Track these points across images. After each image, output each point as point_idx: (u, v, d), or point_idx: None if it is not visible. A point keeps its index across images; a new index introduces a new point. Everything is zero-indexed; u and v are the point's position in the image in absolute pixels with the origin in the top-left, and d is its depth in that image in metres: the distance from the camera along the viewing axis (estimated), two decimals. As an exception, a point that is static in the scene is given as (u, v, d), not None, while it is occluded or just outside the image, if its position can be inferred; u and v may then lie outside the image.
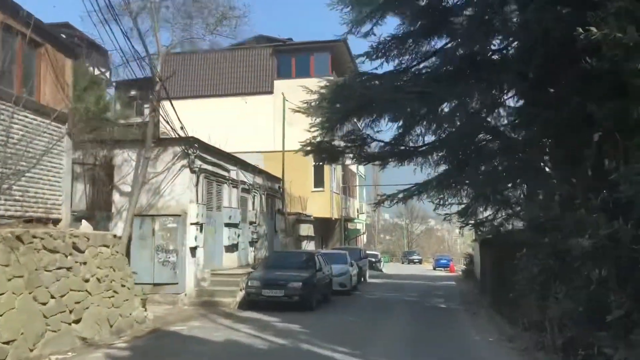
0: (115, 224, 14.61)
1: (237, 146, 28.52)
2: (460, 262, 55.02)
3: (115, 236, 11.86)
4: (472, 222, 32.61)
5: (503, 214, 30.72)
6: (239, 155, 21.48)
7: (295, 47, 33.38)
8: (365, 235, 61.86)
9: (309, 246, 29.03)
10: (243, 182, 18.98)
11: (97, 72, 27.54)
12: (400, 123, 15.84)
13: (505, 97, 16.83)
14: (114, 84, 30.79)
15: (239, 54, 33.87)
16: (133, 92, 34.29)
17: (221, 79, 33.62)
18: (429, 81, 14.41)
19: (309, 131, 15.26)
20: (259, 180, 20.87)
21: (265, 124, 32.22)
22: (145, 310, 12.53)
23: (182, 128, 15.76)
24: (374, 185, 37.83)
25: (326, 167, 30.81)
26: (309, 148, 15.62)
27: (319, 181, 30.88)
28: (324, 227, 33.06)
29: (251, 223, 19.62)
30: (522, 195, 28.48)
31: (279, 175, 26.04)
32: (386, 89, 13.74)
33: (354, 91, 13.37)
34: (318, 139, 15.17)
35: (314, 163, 31.60)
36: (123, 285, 11.69)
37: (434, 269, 48.88)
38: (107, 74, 29.79)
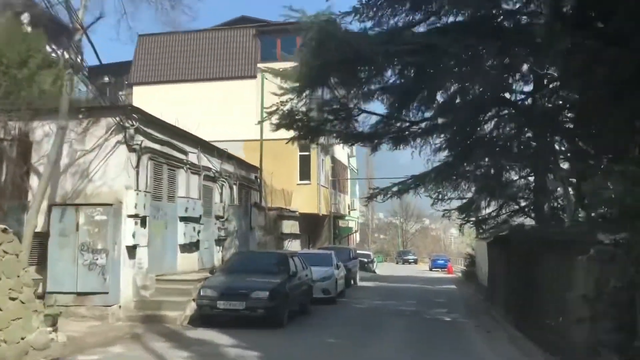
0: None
1: (217, 134, 25.46)
2: (457, 263, 51.84)
3: (4, 230, 8.52)
4: (474, 218, 29.33)
5: (507, 210, 27.40)
6: (218, 145, 18.38)
7: (280, 27, 30.01)
8: (357, 234, 58.61)
9: (292, 245, 25.70)
10: (207, 169, 15.64)
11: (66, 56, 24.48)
12: (396, 91, 12.64)
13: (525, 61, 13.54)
14: (86, 70, 28.15)
15: (219, 35, 30.57)
16: (107, 79, 31.22)
17: (201, 63, 30.30)
18: (433, 35, 11.20)
19: (275, 94, 11.89)
20: (228, 167, 17.54)
21: (249, 111, 28.94)
22: (55, 330, 9.20)
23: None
24: (366, 179, 34.61)
25: (313, 158, 27.52)
26: (277, 120, 12.21)
27: (305, 173, 27.57)
28: (311, 224, 29.76)
29: (218, 217, 16.30)
30: (527, 190, 25.02)
31: (258, 164, 22.78)
32: (377, 39, 10.47)
33: (334, 37, 9.99)
34: (287, 105, 11.79)
35: (300, 152, 28.40)
36: (13, 298, 8.34)
37: (431, 269, 45.66)
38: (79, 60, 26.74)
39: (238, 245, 17.85)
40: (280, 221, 24.09)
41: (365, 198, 28.05)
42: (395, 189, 28.02)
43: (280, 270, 12.25)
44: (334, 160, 31.50)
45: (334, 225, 36.11)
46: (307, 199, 27.10)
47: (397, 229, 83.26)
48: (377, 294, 20.14)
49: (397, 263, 63.30)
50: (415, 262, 61.48)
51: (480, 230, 31.38)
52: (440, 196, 27.93)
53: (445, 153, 24.51)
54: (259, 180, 21.10)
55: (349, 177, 36.86)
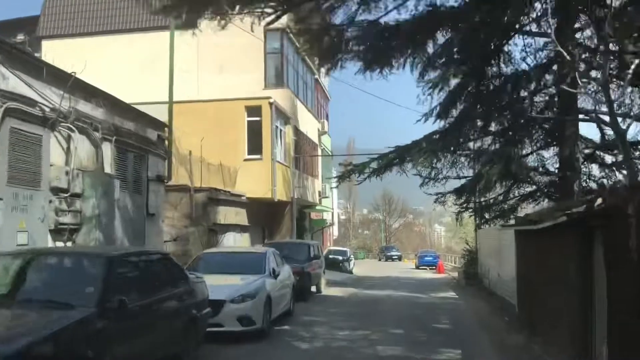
0: None
1: (145, 95, 18.75)
2: (446, 259, 44.92)
3: None
4: (473, 204, 22.48)
5: (516, 193, 21.21)
6: (141, 108, 12.63)
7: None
8: (335, 229, 51.56)
9: (236, 241, 18.49)
10: (24, 100, 8.36)
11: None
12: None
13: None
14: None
15: (152, -24, 23.14)
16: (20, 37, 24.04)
17: (130, 12, 22.89)
18: None
19: None
20: (93, 111, 10.25)
21: (187, 68, 21.68)
22: None
23: None
24: (344, 155, 27.20)
25: (266, 125, 20.31)
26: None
27: (255, 145, 20.35)
28: (268, 214, 22.58)
29: (57, 191, 9.05)
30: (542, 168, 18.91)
31: (195, 130, 15.69)
32: None
33: None
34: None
35: (248, 117, 21.18)
36: None
37: (417, 267, 38.66)
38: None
39: (119, 239, 10.62)
40: (214, 207, 16.87)
41: (336, 178, 20.98)
42: (374, 165, 20.76)
43: (81, 298, 5.00)
44: (298, 133, 24.32)
45: (302, 217, 28.97)
46: (257, 179, 19.89)
47: (380, 223, 76.36)
48: (345, 312, 12.97)
49: (379, 260, 56.42)
50: (400, 258, 54.61)
51: (483, 220, 24.52)
52: (432, 174, 20.95)
53: (441, 96, 17.89)
54: (167, 142, 13.81)
55: (319, 157, 29.68)
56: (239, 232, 19.07)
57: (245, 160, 20.09)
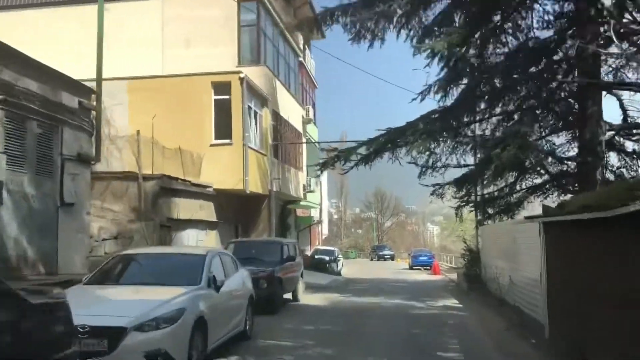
0: None
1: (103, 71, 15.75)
2: (440, 259, 42.04)
3: None
4: (474, 197, 19.60)
5: (522, 185, 17.71)
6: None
7: None
8: (324, 227, 48.60)
9: (200, 240, 15.49)
10: None
11: None
12: None
13: None
14: None
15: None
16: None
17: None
18: None
19: None
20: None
21: (150, 40, 18.76)
22: None
23: None
24: (330, 146, 24.10)
25: (237, 105, 17.31)
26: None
27: (224, 129, 17.34)
28: (242, 209, 19.58)
29: None
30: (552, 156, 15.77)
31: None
32: None
33: None
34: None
35: (215, 96, 18.12)
36: None
37: (411, 268, 35.74)
38: None
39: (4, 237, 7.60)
40: (168, 199, 13.85)
41: (318, 165, 18.03)
42: (362, 150, 17.60)
43: None
44: (278, 118, 21.33)
45: (286, 213, 26.00)
46: (226, 167, 16.88)
47: (372, 222, 73.44)
48: (323, 331, 9.94)
49: (371, 259, 53.54)
50: (392, 258, 51.74)
51: (486, 215, 21.60)
52: (430, 161, 18.00)
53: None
54: (92, 113, 10.73)
55: (304, 148, 26.67)
56: (203, 229, 16.07)
57: (212, 145, 17.07)
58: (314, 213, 36.46)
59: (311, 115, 28.19)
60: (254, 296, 9.26)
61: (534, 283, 10.96)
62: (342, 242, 74.06)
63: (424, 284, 22.56)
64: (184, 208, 14.59)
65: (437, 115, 15.95)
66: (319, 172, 18.55)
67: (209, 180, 16.54)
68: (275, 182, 20.29)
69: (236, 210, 19.14)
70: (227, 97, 17.12)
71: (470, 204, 20.36)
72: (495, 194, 19.10)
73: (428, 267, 34.12)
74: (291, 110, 23.39)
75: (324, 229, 52.01)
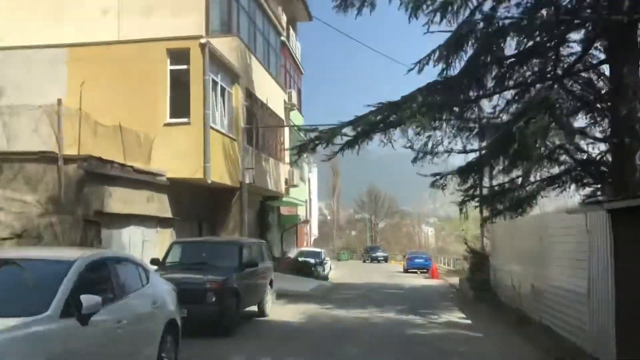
0: None
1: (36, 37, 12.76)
2: (441, 262, 39.05)
3: None
4: (479, 189, 16.11)
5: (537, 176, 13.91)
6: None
7: None
8: (314, 227, 45.65)
9: (139, 238, 12.41)
10: None
11: None
12: None
13: None
14: None
15: None
16: None
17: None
18: None
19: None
20: None
21: (106, 8, 15.68)
22: None
23: None
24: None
25: (196, 78, 14.24)
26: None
27: (181, 106, 14.27)
28: (207, 204, 16.54)
29: None
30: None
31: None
32: None
33: None
34: None
35: (171, 66, 14.99)
36: None
37: (406, 271, 32.71)
38: None
39: None
40: (97, 187, 10.76)
41: (295, 149, 15.04)
42: (348, 131, 14.60)
43: None
44: (253, 99, 18.30)
45: (265, 211, 23.01)
46: (183, 152, 13.81)
47: (365, 222, 70.41)
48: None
49: (364, 261, 50.54)
50: (386, 260, 48.76)
51: (494, 211, 18.67)
52: (429, 145, 15.09)
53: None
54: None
55: (286, 137, 23.60)
56: (152, 226, 12.98)
57: (167, 125, 13.99)
58: (302, 211, 33.42)
59: (295, 101, 25.17)
60: (177, 321, 6.22)
61: (575, 297, 7.98)
62: (334, 244, 71.08)
63: (421, 291, 19.54)
64: (122, 200, 11.51)
65: (439, 87, 12.96)
66: (296, 157, 15.48)
67: (163, 167, 13.49)
68: (249, 172, 17.23)
69: (200, 206, 16.10)
70: (185, 67, 14.07)
71: (476, 199, 17.40)
72: (506, 185, 16.15)
73: (425, 270, 31.14)
74: (271, 92, 20.33)
75: (314, 229, 49.00)
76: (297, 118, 25.87)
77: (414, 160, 14.61)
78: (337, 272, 31.37)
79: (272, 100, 20.50)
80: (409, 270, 32.38)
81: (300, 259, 23.58)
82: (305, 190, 28.22)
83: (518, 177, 16.01)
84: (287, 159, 23.24)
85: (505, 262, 13.51)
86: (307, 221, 32.84)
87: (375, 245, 58.81)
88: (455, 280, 23.74)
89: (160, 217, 13.43)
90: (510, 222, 13.88)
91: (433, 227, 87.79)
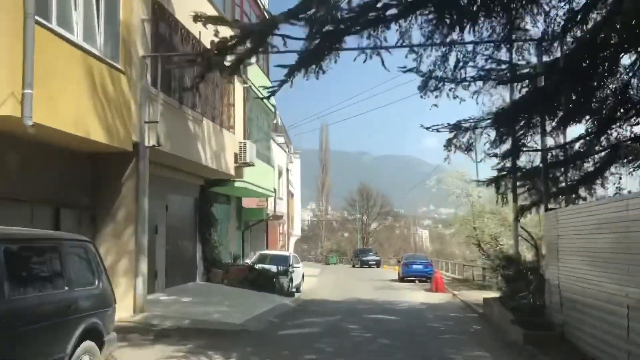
0: None
1: None
2: (440, 267, 32.36)
3: None
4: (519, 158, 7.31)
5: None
6: None
7: None
8: (296, 226, 39.01)
9: None
10: None
11: None
12: None
13: None
14: None
15: None
16: None
17: None
18: None
19: None
20: None
21: None
22: None
23: None
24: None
25: None
26: None
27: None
28: (79, 176, 9.85)
29: None
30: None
31: None
32: None
33: None
34: None
35: None
36: None
37: (402, 279, 25.96)
38: None
39: None
40: None
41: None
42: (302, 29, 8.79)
43: None
44: (166, 18, 11.59)
45: (211, 200, 16.42)
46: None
47: (356, 223, 63.66)
48: None
49: (353, 266, 43.91)
50: (378, 264, 42.12)
51: (550, 193, 10.98)
52: (445, 65, 8.45)
53: None
54: None
55: (236, 94, 16.76)
56: None
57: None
58: (280, 206, 26.67)
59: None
60: None
61: None
62: (323, 245, 64.36)
63: (425, 317, 12.79)
64: None
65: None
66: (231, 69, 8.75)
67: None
68: (152, 130, 10.52)
69: (55, 179, 9.35)
70: None
71: (508, 175, 10.72)
72: (576, 148, 9.49)
73: (425, 279, 24.52)
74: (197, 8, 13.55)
75: (297, 229, 42.30)
76: (258, 77, 19.04)
77: (422, 87, 7.91)
78: (316, 280, 24.71)
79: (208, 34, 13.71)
80: (405, 279, 25.64)
81: (257, 267, 16.88)
82: (271, 175, 21.46)
83: (589, 134, 9.48)
84: (239, 127, 16.48)
85: (590, 279, 6.83)
86: (278, 217, 26.07)
87: (367, 247, 52.21)
88: (467, 295, 17.08)
89: None
90: (607, 205, 7.06)
91: (427, 230, 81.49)
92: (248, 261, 18.02)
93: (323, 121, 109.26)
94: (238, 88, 16.58)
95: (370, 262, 41.66)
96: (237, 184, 17.02)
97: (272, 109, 21.98)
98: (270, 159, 21.77)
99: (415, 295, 18.54)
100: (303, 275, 19.96)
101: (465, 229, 23.87)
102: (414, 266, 26.06)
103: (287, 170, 34.08)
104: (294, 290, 17.73)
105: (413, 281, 25.03)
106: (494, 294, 13.83)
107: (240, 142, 15.91)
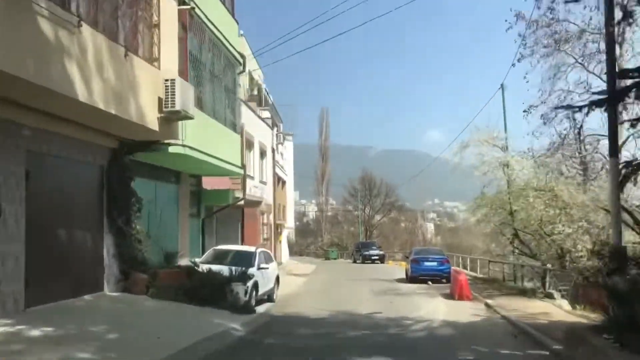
0: None
1: None
2: (460, 264, 26.71)
3: None
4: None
5: None
6: None
7: None
8: (289, 217, 33.58)
9: None
10: None
11: None
12: None
13: None
14: None
15: None
16: None
17: None
18: None
19: None
20: None
21: None
22: None
23: None
24: None
25: None
26: None
27: None
28: None
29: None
30: None
31: None
32: None
33: None
34: None
35: None
36: None
37: (410, 279, 20.34)
38: None
39: None
40: None
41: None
42: None
43: None
44: None
45: (125, 171, 10.85)
46: None
47: (358, 214, 58.12)
48: None
49: (354, 261, 38.46)
50: (382, 260, 36.61)
51: None
52: None
53: None
54: None
55: (162, 21, 11.22)
56: None
57: None
58: (258, 189, 21.18)
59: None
60: None
61: None
62: (323, 239, 58.97)
63: (457, 351, 7.28)
64: None
65: None
66: None
67: None
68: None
69: None
70: None
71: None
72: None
73: (439, 278, 19.09)
74: None
75: (289, 219, 36.84)
76: (212, 6, 13.42)
77: None
78: (303, 282, 19.27)
79: None
80: (414, 278, 20.03)
81: (203, 269, 11.36)
82: (237, 145, 15.85)
83: None
84: (169, 63, 10.89)
85: None
86: (255, 203, 20.53)
87: (370, 241, 46.67)
88: (507, 304, 11.52)
89: None
90: None
91: (432, 223, 77.67)
92: (197, 260, 12.52)
93: (324, 106, 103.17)
94: (169, 3, 10.99)
95: (373, 257, 36.15)
96: (172, 149, 11.46)
97: (240, 60, 16.36)
98: (237, 126, 16.23)
99: (433, 307, 12.99)
100: (278, 279, 14.44)
101: (497, 213, 18.11)
102: (427, 263, 20.45)
103: (274, 150, 28.56)
104: (262, 300, 12.26)
105: (427, 282, 19.49)
106: (550, 305, 8.63)
107: (166, 80, 10.29)
